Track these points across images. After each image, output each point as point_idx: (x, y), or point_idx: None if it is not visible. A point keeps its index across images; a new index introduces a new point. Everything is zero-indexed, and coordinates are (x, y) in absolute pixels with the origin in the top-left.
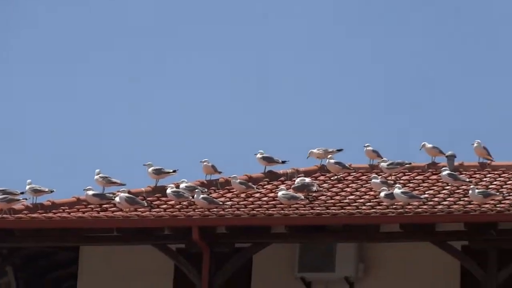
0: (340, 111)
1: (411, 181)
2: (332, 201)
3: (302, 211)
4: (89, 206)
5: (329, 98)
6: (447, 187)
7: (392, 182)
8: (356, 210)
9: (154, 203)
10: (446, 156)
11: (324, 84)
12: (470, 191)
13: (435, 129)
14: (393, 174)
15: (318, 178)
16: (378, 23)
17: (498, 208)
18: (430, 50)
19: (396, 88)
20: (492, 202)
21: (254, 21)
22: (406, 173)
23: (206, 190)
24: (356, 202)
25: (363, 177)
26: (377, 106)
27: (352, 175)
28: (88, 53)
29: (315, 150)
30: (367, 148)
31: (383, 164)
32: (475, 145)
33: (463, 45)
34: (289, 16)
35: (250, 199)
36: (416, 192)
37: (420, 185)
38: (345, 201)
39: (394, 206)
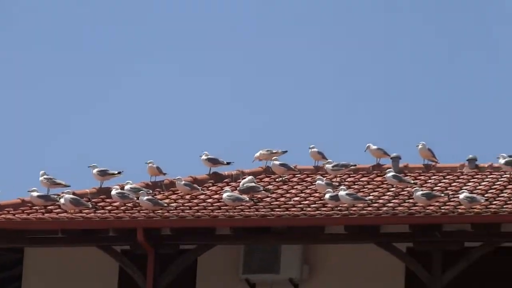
0: (284, 112)
1: (356, 183)
2: (277, 202)
3: (247, 213)
4: (34, 207)
5: (271, 98)
6: (392, 189)
7: (337, 183)
8: (300, 212)
9: (99, 204)
10: (391, 158)
11: (267, 84)
12: (414, 193)
13: (380, 131)
14: (338, 175)
15: (263, 180)
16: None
17: (443, 210)
18: (369, 49)
19: (341, 88)
20: (437, 204)
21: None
22: (351, 175)
23: (150, 191)
24: (301, 204)
25: (308, 179)
26: (321, 107)
27: (297, 176)
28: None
29: (257, 154)
30: (312, 149)
31: (328, 166)
32: (420, 146)
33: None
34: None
35: (195, 200)
36: (361, 194)
37: (365, 186)
38: (290, 202)
39: (339, 208)
